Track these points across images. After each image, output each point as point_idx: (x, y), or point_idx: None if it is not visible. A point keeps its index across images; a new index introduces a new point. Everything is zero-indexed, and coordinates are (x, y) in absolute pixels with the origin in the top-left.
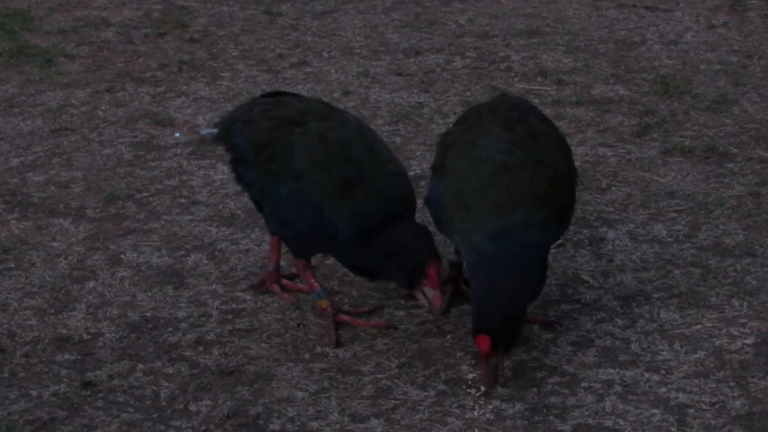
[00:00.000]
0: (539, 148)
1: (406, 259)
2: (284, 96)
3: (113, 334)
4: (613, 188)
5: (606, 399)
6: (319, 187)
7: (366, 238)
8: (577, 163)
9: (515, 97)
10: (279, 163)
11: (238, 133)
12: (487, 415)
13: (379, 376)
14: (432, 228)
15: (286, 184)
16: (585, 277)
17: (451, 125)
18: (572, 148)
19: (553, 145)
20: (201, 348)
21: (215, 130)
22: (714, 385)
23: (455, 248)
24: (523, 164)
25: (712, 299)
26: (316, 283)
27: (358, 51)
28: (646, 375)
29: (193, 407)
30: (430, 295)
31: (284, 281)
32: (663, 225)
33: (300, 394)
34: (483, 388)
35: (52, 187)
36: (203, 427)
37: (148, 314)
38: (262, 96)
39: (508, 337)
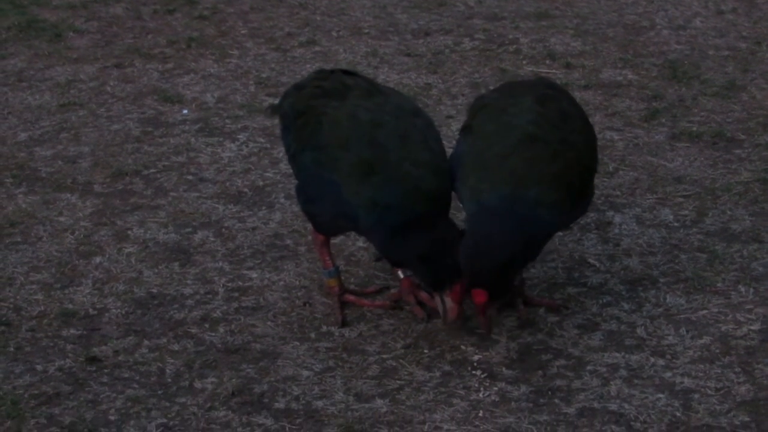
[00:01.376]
0: (567, 129)
1: (437, 267)
2: (341, 72)
3: (119, 310)
4: (621, 172)
5: (611, 383)
6: (336, 164)
7: (396, 233)
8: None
9: (553, 81)
10: (308, 131)
11: (287, 97)
12: (492, 397)
13: (384, 356)
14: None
15: (310, 154)
16: (591, 261)
17: (458, 107)
18: None
19: (581, 129)
20: (207, 325)
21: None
22: (719, 371)
23: None
24: (549, 140)
25: (719, 285)
26: (329, 261)
27: (366, 31)
28: (652, 359)
29: (198, 384)
30: (448, 306)
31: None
32: (670, 210)
33: (305, 372)
34: (480, 372)
35: (60, 162)
36: (208, 404)
37: (154, 290)
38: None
39: (502, 288)
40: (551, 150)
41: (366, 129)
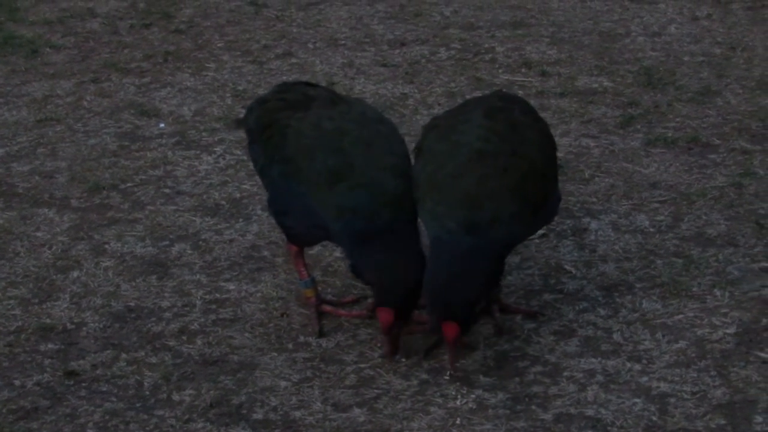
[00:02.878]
0: (517, 140)
1: (382, 288)
2: (303, 84)
3: (97, 324)
4: (596, 179)
5: (588, 388)
6: (303, 174)
7: (362, 241)
8: (560, 154)
9: (508, 93)
10: (274, 144)
11: (252, 112)
12: (470, 405)
13: (362, 365)
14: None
15: (277, 167)
16: (567, 267)
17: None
18: (556, 139)
19: (533, 137)
20: (184, 337)
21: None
22: (695, 375)
23: None
24: (499, 153)
25: (694, 289)
26: (305, 272)
27: (343, 42)
28: (628, 364)
29: (176, 396)
30: (382, 338)
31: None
32: (646, 215)
33: (283, 383)
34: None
35: (37, 177)
36: (186, 416)
37: (132, 304)
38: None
39: (472, 319)
40: (502, 164)
41: (331, 138)
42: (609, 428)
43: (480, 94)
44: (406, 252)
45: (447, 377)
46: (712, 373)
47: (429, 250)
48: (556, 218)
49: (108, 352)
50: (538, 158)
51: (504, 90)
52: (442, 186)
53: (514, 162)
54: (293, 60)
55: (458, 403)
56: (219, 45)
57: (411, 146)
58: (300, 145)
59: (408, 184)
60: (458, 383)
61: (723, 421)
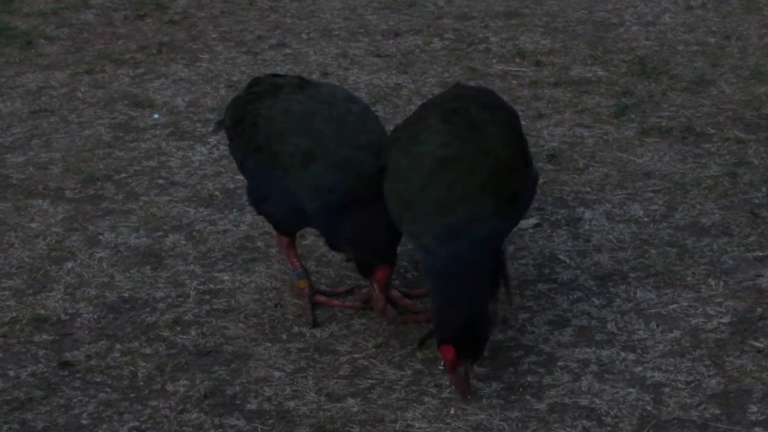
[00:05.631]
0: (478, 138)
1: (359, 253)
2: (272, 76)
3: (91, 315)
4: (591, 169)
5: (582, 378)
6: (278, 159)
7: (335, 216)
8: (554, 144)
9: (465, 87)
10: (247, 136)
11: (227, 111)
12: None
13: (356, 355)
14: None
15: (253, 157)
16: (562, 257)
17: None
18: (550, 128)
19: (493, 132)
20: (178, 328)
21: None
22: (690, 364)
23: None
24: (462, 156)
25: (689, 278)
26: (297, 263)
27: (337, 32)
28: (622, 354)
29: (170, 387)
30: (374, 295)
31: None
32: (640, 205)
33: (277, 373)
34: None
35: (31, 169)
36: (180, 407)
37: (126, 295)
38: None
39: (473, 344)
40: (467, 166)
41: (301, 120)
42: (603, 418)
43: (473, 84)
44: (381, 216)
45: (441, 367)
46: (707, 362)
47: (422, 272)
48: (549, 207)
49: (102, 342)
50: (503, 150)
51: (461, 83)
52: (413, 202)
53: (478, 160)
54: (287, 50)
55: (452, 393)
56: (213, 36)
57: None
58: (271, 131)
59: (378, 158)
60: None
61: (717, 411)
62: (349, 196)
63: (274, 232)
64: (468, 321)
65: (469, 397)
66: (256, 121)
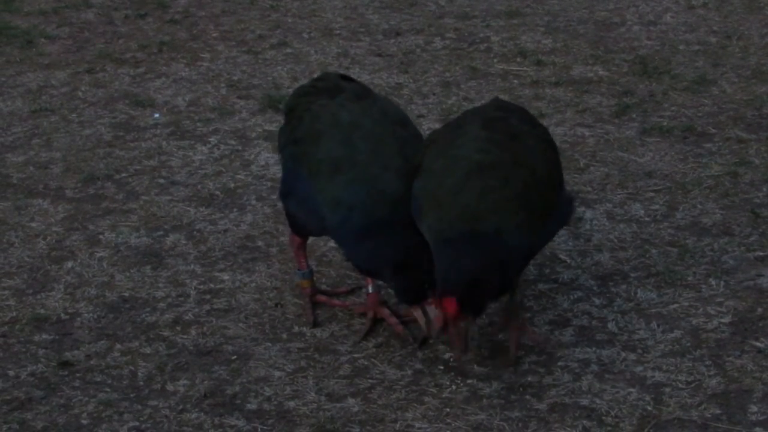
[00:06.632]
0: (517, 149)
1: (415, 276)
2: (340, 76)
3: (91, 314)
4: (592, 168)
5: (582, 378)
6: (307, 159)
7: (364, 238)
8: (555, 144)
9: (505, 101)
10: (292, 126)
11: (290, 97)
12: (464, 394)
13: (356, 355)
14: None
15: (289, 148)
16: (562, 257)
17: (430, 106)
18: (551, 128)
19: (533, 145)
20: (179, 328)
21: None
22: (690, 364)
23: None
24: (499, 164)
25: (689, 278)
26: (305, 262)
27: (338, 32)
28: (623, 354)
29: (170, 387)
30: (431, 314)
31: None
32: (641, 205)
33: (277, 373)
34: (455, 362)
35: (32, 168)
36: (180, 407)
37: (126, 294)
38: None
39: (476, 300)
40: (503, 175)
41: (342, 129)
42: (603, 418)
43: (475, 83)
44: (424, 240)
45: (441, 367)
46: (707, 362)
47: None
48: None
49: (102, 342)
50: (540, 165)
51: (500, 97)
52: (443, 203)
53: (515, 172)
54: (288, 50)
55: (452, 392)
56: (214, 35)
57: None
58: (312, 129)
59: (407, 185)
60: (452, 373)
61: (718, 411)
62: (371, 217)
63: (288, 231)
64: (474, 279)
65: (467, 356)
66: (303, 115)
